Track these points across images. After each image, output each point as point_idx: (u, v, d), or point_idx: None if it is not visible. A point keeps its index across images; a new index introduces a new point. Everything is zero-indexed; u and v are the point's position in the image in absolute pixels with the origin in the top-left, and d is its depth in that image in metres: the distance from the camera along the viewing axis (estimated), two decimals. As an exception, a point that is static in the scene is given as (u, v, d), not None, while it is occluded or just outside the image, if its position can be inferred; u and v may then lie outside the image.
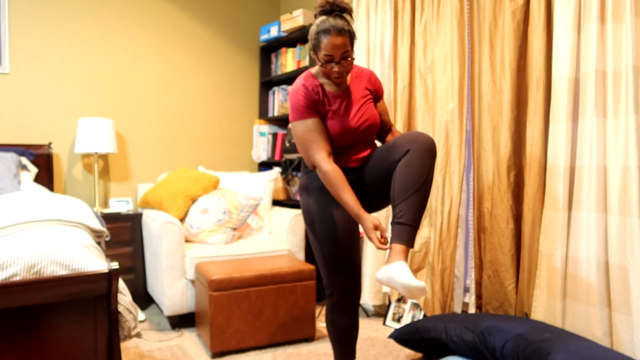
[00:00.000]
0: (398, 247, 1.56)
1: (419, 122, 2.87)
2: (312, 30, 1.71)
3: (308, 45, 1.82)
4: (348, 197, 1.67)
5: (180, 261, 2.82)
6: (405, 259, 1.55)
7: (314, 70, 1.84)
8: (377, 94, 1.93)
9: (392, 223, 1.62)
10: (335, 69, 1.70)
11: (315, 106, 1.78)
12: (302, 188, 1.93)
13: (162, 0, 3.71)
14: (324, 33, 1.66)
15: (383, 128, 2.02)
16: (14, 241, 1.60)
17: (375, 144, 1.96)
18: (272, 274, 2.57)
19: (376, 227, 1.61)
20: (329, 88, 1.83)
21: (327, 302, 1.92)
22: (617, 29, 2.07)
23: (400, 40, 2.94)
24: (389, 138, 2.03)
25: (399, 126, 2.99)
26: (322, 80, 1.83)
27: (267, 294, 2.57)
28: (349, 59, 1.70)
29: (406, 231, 1.57)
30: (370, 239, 1.62)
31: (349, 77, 1.87)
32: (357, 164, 1.88)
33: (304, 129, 1.76)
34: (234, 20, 4.04)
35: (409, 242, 1.57)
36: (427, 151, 1.64)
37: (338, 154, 1.87)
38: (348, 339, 1.93)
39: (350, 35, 1.69)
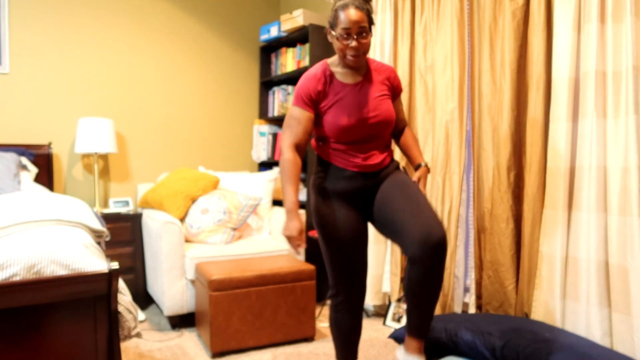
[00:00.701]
0: (418, 343, 1.74)
1: (419, 122, 2.87)
2: (332, 9, 1.72)
3: (326, 29, 1.78)
4: (289, 191, 1.71)
5: (180, 261, 2.82)
6: (422, 352, 1.76)
7: (330, 59, 1.82)
8: (395, 92, 1.88)
9: (410, 324, 1.74)
10: (353, 44, 1.67)
11: (314, 102, 1.77)
12: (312, 187, 1.89)
13: (162, 1, 3.71)
14: (342, 8, 1.66)
15: (397, 127, 1.99)
16: (14, 241, 1.60)
17: (391, 151, 1.91)
18: (272, 274, 2.57)
19: (300, 232, 1.68)
20: (341, 78, 1.79)
21: (331, 301, 1.91)
22: (617, 29, 2.07)
23: (400, 40, 2.94)
24: (403, 140, 1.99)
25: (399, 126, 2.99)
26: (336, 69, 1.80)
27: (267, 294, 2.56)
28: (366, 36, 1.68)
29: (425, 330, 1.74)
30: (287, 237, 1.69)
31: (365, 69, 1.82)
32: (370, 169, 1.81)
33: (292, 114, 1.80)
34: (234, 20, 4.04)
35: (426, 337, 1.80)
36: (440, 260, 1.61)
37: (347, 153, 1.80)
38: (351, 339, 1.92)
39: (369, 13, 1.69)
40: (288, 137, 1.78)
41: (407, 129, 2.00)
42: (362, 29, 1.67)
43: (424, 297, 1.66)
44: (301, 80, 1.80)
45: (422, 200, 1.71)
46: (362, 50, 1.70)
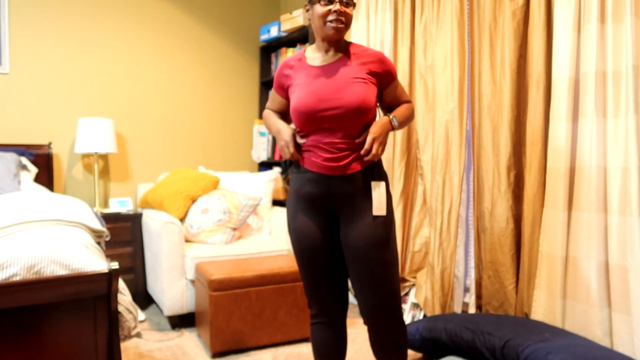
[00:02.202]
0: None
1: (419, 122, 2.87)
2: None
3: (304, 7, 1.72)
4: (273, 118, 1.78)
5: (180, 261, 2.82)
6: None
7: (310, 46, 1.74)
8: (384, 77, 1.68)
9: None
10: (336, 7, 1.57)
11: (281, 86, 1.77)
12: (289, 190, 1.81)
13: (162, 1, 3.71)
14: None
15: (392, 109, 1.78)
16: (14, 241, 1.60)
17: (361, 161, 1.63)
18: (272, 274, 2.57)
19: (293, 136, 1.68)
20: (311, 61, 1.68)
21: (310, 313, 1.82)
22: (617, 28, 2.07)
23: (400, 40, 2.94)
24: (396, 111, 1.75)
25: (399, 126, 2.98)
26: (310, 54, 1.70)
27: (267, 294, 2.56)
28: (349, 5, 1.61)
29: None
30: (281, 146, 1.68)
31: (342, 52, 1.67)
32: (334, 171, 1.61)
33: (270, 96, 1.87)
34: (234, 20, 4.04)
35: None
36: (391, 329, 1.69)
37: (311, 151, 1.64)
38: (329, 357, 1.77)
39: None
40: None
41: (402, 106, 1.78)
42: None
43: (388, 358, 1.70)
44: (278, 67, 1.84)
45: (379, 266, 1.61)
46: (345, 19, 1.60)
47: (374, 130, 1.60)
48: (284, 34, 3.69)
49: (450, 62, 2.71)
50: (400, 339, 1.70)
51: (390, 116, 1.66)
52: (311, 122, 1.61)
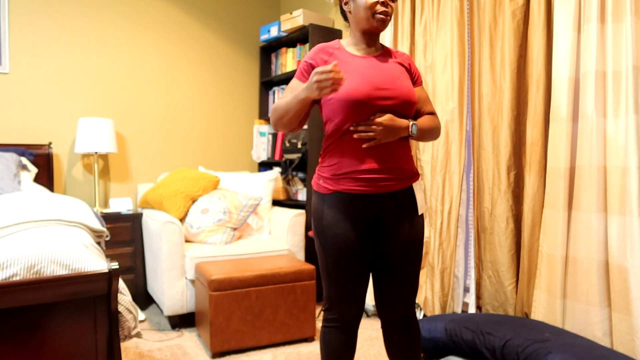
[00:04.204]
0: None
1: (419, 122, 2.87)
2: None
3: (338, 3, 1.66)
4: (293, 94, 1.53)
5: (180, 261, 2.82)
6: None
7: (343, 40, 1.69)
8: (413, 78, 1.69)
9: None
10: None
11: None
12: (316, 186, 1.69)
13: (162, 1, 3.71)
14: None
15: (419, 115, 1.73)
16: (14, 241, 1.60)
17: (410, 156, 1.64)
18: (272, 274, 2.57)
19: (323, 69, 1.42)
20: (353, 50, 1.63)
21: (323, 315, 1.74)
22: (617, 28, 2.07)
23: (400, 40, 2.94)
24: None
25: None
26: (348, 47, 1.65)
27: (267, 294, 2.56)
28: (395, 0, 1.59)
29: None
30: (316, 80, 1.40)
31: (379, 49, 1.66)
32: (386, 173, 1.57)
33: (290, 85, 1.66)
34: (234, 20, 4.04)
35: None
36: (408, 330, 1.73)
37: (359, 148, 1.56)
38: (341, 359, 1.72)
39: None
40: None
41: (432, 117, 1.73)
42: None
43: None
44: (309, 53, 1.65)
45: (412, 267, 1.66)
46: (391, 12, 1.58)
47: (386, 118, 1.53)
48: (284, 34, 3.69)
49: (450, 62, 2.71)
50: (419, 339, 1.75)
51: (411, 122, 1.59)
52: (363, 110, 1.52)
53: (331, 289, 1.66)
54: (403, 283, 1.67)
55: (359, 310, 1.69)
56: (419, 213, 1.65)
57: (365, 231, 1.63)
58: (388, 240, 1.64)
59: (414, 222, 1.65)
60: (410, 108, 1.59)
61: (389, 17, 1.58)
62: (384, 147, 1.57)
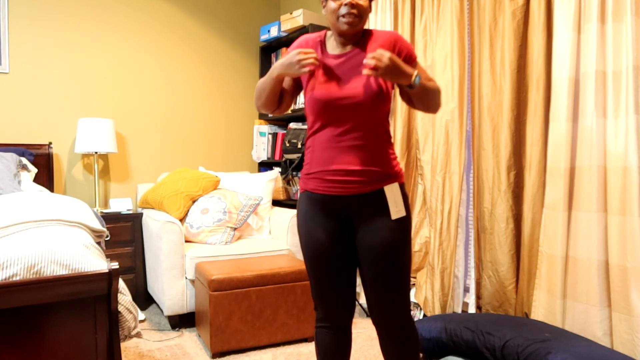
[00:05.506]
0: None
1: (419, 122, 2.87)
2: None
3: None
4: (266, 75, 1.60)
5: (180, 261, 2.82)
6: None
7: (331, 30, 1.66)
8: (401, 58, 1.60)
9: None
10: (347, 0, 1.49)
11: None
12: (300, 188, 1.73)
13: (162, 1, 3.71)
14: None
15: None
16: (14, 241, 1.60)
17: (389, 158, 1.61)
18: (272, 274, 2.57)
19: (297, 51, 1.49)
20: (330, 48, 1.62)
21: (315, 315, 1.76)
22: (617, 28, 2.07)
23: (400, 40, 2.94)
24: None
25: (399, 126, 2.99)
26: (330, 39, 1.64)
27: (267, 294, 2.56)
28: None
29: None
30: (294, 60, 1.48)
31: (360, 39, 1.61)
32: (343, 175, 1.55)
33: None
34: (234, 20, 4.04)
35: None
36: (403, 336, 1.65)
37: (329, 147, 1.56)
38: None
39: None
40: None
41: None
42: None
43: None
44: (293, 45, 1.66)
45: (395, 270, 1.57)
46: (358, 11, 1.52)
47: (392, 54, 1.44)
48: (284, 34, 3.69)
49: (450, 62, 2.71)
50: (414, 343, 1.66)
51: (415, 72, 1.49)
52: (329, 110, 1.54)
53: (312, 288, 1.70)
54: (385, 289, 1.58)
55: (347, 310, 1.68)
56: (392, 218, 1.57)
57: (337, 232, 1.62)
58: (364, 243, 1.60)
59: (390, 226, 1.57)
60: (374, 105, 1.54)
61: (356, 19, 1.53)
62: (357, 148, 1.55)
